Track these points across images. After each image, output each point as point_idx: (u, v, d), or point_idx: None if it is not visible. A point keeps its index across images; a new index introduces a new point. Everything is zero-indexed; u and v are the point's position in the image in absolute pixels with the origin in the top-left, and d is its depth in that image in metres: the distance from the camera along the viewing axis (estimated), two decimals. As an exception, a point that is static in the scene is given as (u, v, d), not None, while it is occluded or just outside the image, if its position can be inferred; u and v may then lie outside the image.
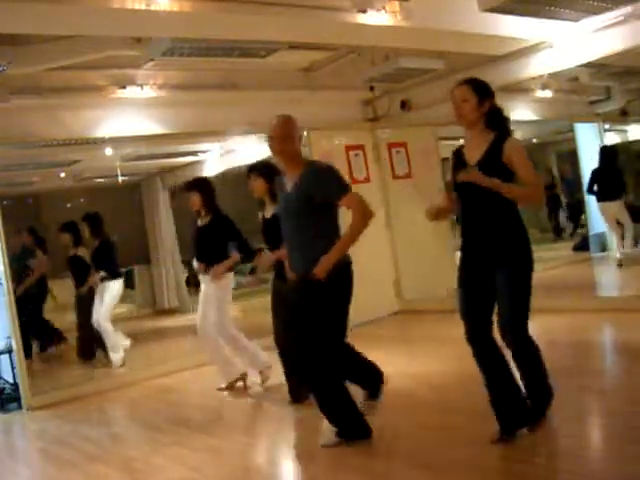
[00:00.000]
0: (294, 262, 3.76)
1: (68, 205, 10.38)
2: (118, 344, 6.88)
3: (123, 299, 8.28)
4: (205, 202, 5.28)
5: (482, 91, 3.38)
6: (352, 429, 3.71)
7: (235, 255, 5.32)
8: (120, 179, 8.50)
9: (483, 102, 3.35)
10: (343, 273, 3.65)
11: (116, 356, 6.82)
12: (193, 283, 9.53)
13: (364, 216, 3.68)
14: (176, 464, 3.85)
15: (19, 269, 7.38)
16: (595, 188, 8.37)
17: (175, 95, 6.43)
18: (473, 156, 3.38)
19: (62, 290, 8.17)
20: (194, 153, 9.47)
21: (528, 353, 3.45)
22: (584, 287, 7.83)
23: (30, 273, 7.51)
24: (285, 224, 3.81)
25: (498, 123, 3.39)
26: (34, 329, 7.53)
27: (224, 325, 5.37)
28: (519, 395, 3.42)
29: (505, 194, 3.24)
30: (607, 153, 8.50)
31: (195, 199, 5.30)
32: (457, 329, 3.48)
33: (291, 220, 3.74)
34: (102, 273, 6.84)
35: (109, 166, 8.40)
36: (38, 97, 5.68)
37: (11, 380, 5.89)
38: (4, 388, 5.88)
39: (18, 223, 7.70)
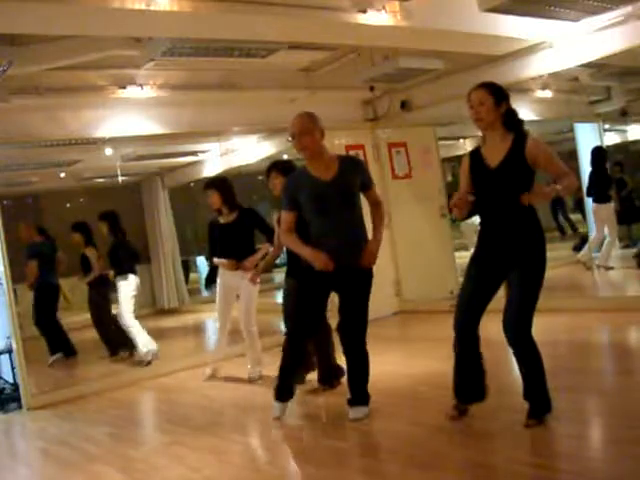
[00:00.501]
0: (340, 251, 3.98)
1: (68, 205, 10.37)
2: (146, 339, 6.88)
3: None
4: (225, 200, 5.43)
5: (498, 94, 3.49)
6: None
7: (265, 246, 5.42)
8: (120, 179, 8.50)
9: (500, 104, 3.47)
10: None
11: (144, 350, 6.80)
12: (209, 280, 9.58)
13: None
14: (176, 464, 3.85)
15: (43, 263, 7.42)
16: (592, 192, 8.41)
17: (175, 95, 6.43)
18: (493, 158, 3.48)
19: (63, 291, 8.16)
20: (194, 153, 9.46)
21: (529, 352, 3.52)
22: (584, 287, 7.83)
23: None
24: (323, 215, 4.00)
25: (514, 124, 3.50)
26: (47, 331, 7.54)
27: (250, 320, 5.54)
28: (482, 381, 3.68)
29: (561, 194, 3.43)
30: (595, 154, 8.52)
31: (214, 198, 5.43)
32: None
33: (337, 209, 3.98)
34: (111, 273, 6.97)
35: (109, 166, 8.39)
36: (38, 97, 5.68)
37: (11, 380, 5.89)
38: (4, 388, 5.88)
39: (18, 223, 7.68)
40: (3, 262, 5.67)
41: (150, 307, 10.92)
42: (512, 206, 3.40)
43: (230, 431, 4.40)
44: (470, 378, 3.68)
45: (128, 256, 7.08)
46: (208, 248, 5.77)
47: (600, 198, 8.23)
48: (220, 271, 5.61)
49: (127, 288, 6.88)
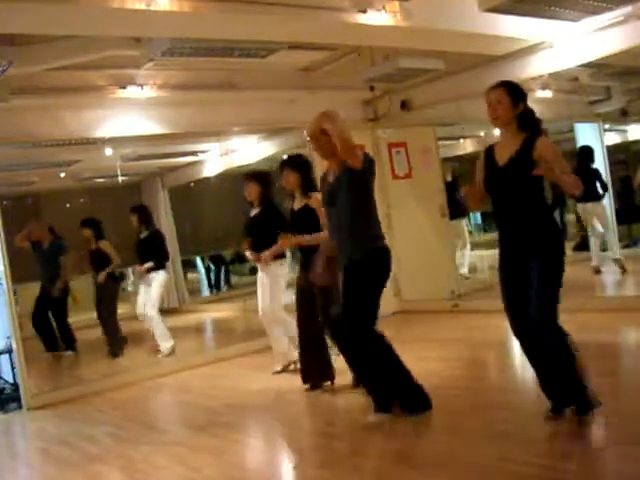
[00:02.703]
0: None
1: (68, 205, 10.37)
2: (167, 332, 6.99)
3: (123, 299, 8.30)
4: (261, 194, 5.56)
5: (516, 93, 3.52)
6: (414, 399, 3.95)
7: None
8: (120, 179, 8.50)
9: (517, 104, 3.49)
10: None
11: (165, 345, 6.93)
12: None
13: None
14: (176, 464, 3.86)
15: (49, 266, 7.44)
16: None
17: (175, 95, 6.43)
18: (504, 155, 3.52)
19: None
20: (194, 153, 9.47)
21: (558, 341, 3.45)
22: (584, 287, 7.83)
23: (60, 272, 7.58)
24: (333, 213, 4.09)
25: (530, 124, 3.52)
26: (61, 330, 7.57)
27: (274, 309, 5.55)
28: (565, 381, 3.49)
29: (564, 184, 3.37)
30: (581, 153, 8.53)
31: (252, 190, 5.55)
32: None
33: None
34: (150, 263, 6.99)
35: (109, 166, 8.40)
36: (38, 97, 5.69)
37: (11, 380, 5.89)
38: (4, 388, 5.88)
39: (18, 223, 7.69)
40: (3, 262, 5.67)
41: (150, 307, 10.91)
42: (521, 204, 3.44)
43: (230, 431, 4.40)
44: (553, 377, 3.52)
45: (162, 249, 7.19)
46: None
47: (587, 197, 8.24)
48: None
49: (161, 280, 7.02)
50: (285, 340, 5.63)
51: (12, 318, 5.69)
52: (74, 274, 7.81)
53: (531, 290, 3.43)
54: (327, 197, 4.16)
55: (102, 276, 7.28)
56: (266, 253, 5.40)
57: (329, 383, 4.99)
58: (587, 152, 8.54)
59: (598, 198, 8.34)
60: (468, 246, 9.89)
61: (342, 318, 3.96)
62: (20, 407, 5.69)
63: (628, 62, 6.98)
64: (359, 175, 3.96)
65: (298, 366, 5.28)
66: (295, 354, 5.43)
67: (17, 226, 7.57)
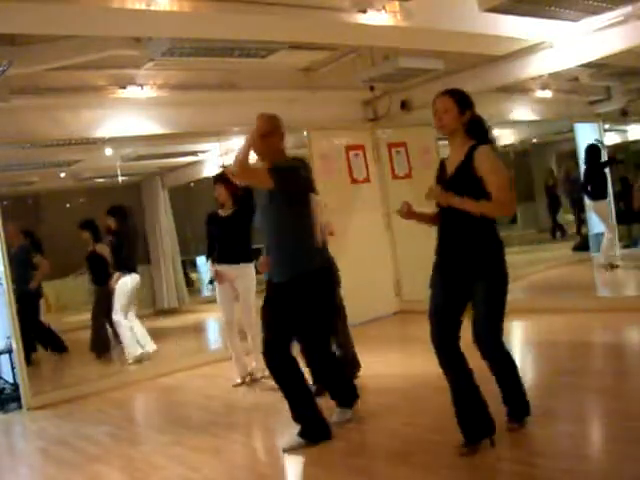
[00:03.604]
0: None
1: (68, 205, 10.36)
2: (134, 340, 6.89)
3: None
4: (232, 194, 5.43)
5: (463, 101, 3.40)
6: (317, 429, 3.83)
7: None
8: (120, 179, 8.50)
9: (464, 112, 3.38)
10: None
11: (132, 352, 6.83)
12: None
13: None
14: (176, 464, 3.86)
15: (19, 270, 7.37)
16: (589, 188, 8.42)
17: (175, 95, 6.43)
18: (451, 167, 3.41)
19: (62, 291, 8.16)
20: (194, 153, 9.46)
21: (504, 362, 3.46)
22: (584, 287, 7.83)
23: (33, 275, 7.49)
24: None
25: (478, 133, 3.38)
26: (35, 332, 7.52)
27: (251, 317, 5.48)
28: (483, 407, 3.36)
29: (470, 211, 3.21)
30: (589, 151, 8.53)
31: (221, 191, 5.45)
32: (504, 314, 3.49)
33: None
34: (117, 274, 6.93)
35: (109, 166, 8.39)
36: (38, 97, 5.68)
37: (11, 380, 5.89)
38: (4, 388, 5.89)
39: (18, 223, 7.67)
40: (3, 262, 5.67)
41: (150, 307, 10.92)
42: (466, 217, 3.25)
43: (230, 431, 4.40)
44: (468, 404, 3.37)
45: (128, 254, 7.07)
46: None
47: (595, 195, 8.23)
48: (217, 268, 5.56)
49: (126, 286, 6.89)
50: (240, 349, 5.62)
51: (12, 318, 5.69)
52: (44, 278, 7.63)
53: (475, 310, 3.35)
54: (260, 209, 3.93)
55: (116, 277, 7.03)
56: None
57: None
58: (595, 150, 8.53)
59: (604, 196, 8.32)
60: None
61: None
62: (20, 407, 5.69)
63: (628, 62, 6.98)
64: (277, 193, 3.69)
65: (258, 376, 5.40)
66: (249, 365, 5.51)
67: (17, 226, 7.56)
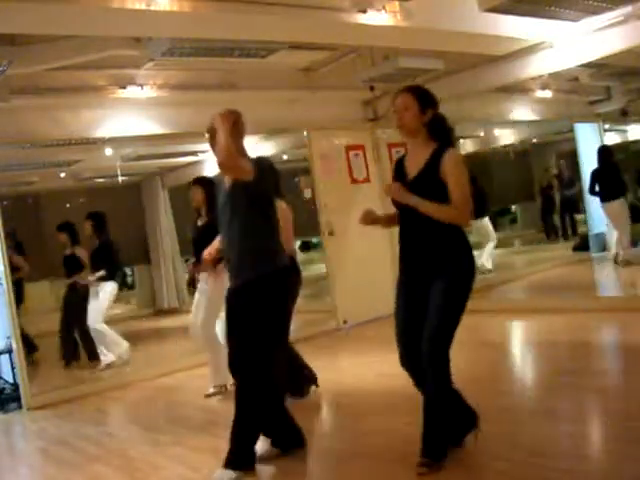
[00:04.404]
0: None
1: (68, 205, 10.37)
2: (112, 346, 6.83)
3: (123, 299, 8.28)
4: (207, 200, 5.25)
5: (424, 99, 3.25)
6: (246, 457, 3.55)
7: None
8: (120, 179, 8.50)
9: (425, 111, 3.23)
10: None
11: (106, 357, 6.78)
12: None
13: None
14: (176, 464, 3.86)
15: None
16: (597, 189, 8.40)
17: (175, 95, 6.43)
18: (413, 168, 3.24)
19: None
20: (194, 153, 9.46)
21: (439, 375, 3.15)
22: (584, 287, 7.83)
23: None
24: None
25: (441, 134, 3.24)
26: None
27: (209, 326, 5.29)
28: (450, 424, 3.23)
29: (424, 213, 3.10)
30: (604, 153, 8.52)
31: (196, 194, 5.33)
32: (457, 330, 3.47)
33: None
34: (101, 273, 6.86)
35: (109, 166, 8.40)
36: (38, 97, 5.68)
37: (11, 380, 5.89)
38: (4, 388, 5.88)
39: (18, 223, 7.68)
40: (3, 262, 5.67)
41: (150, 307, 10.93)
42: (428, 223, 3.12)
43: (230, 431, 4.39)
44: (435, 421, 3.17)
45: (113, 259, 7.03)
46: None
47: (608, 196, 8.22)
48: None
49: (108, 292, 6.86)
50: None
51: (12, 318, 5.69)
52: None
53: (427, 315, 3.13)
54: (220, 207, 3.69)
55: (76, 279, 7.05)
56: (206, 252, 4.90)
57: (314, 387, 4.89)
58: (607, 151, 8.52)
59: (617, 196, 8.30)
60: (494, 242, 9.77)
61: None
62: (20, 407, 5.69)
63: (628, 62, 6.98)
64: (252, 187, 3.47)
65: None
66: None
67: (17, 226, 7.57)
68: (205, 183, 5.36)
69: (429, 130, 3.25)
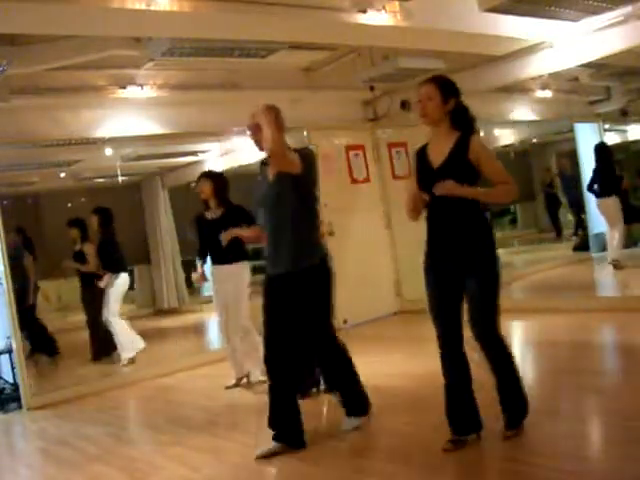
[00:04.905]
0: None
1: (68, 205, 10.38)
2: (127, 342, 6.88)
3: (123, 299, 8.27)
4: (216, 192, 5.34)
5: (447, 89, 3.32)
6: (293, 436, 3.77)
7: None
8: (120, 179, 8.50)
9: (448, 100, 3.31)
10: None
11: (125, 354, 6.85)
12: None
13: None
14: (176, 464, 3.86)
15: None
16: (595, 187, 8.40)
17: (175, 95, 6.43)
18: (437, 157, 3.32)
19: (66, 291, 8.16)
20: (194, 153, 9.46)
21: (502, 354, 3.38)
22: (584, 287, 7.83)
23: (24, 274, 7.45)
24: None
25: (463, 122, 3.34)
26: (28, 331, 7.48)
27: (247, 317, 5.39)
28: (475, 406, 3.40)
29: (482, 200, 3.23)
30: (600, 150, 8.52)
31: (205, 187, 5.36)
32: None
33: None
34: (107, 277, 6.91)
35: (109, 166, 8.40)
36: (38, 97, 5.68)
37: (11, 380, 5.89)
38: (4, 388, 5.88)
39: (18, 223, 7.67)
40: (3, 262, 5.67)
41: (150, 307, 10.93)
42: (457, 208, 3.23)
43: (230, 431, 4.40)
44: (461, 400, 3.39)
45: (117, 253, 7.09)
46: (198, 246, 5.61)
47: (602, 193, 8.22)
48: (212, 270, 5.51)
49: (117, 286, 6.91)
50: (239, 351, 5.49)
51: (12, 318, 5.69)
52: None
53: (469, 303, 3.30)
54: (262, 198, 3.81)
55: (104, 283, 6.99)
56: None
57: (315, 390, 4.88)
58: (603, 148, 8.51)
59: (610, 194, 8.29)
60: None
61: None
62: (20, 407, 5.69)
63: (628, 62, 6.99)
64: (299, 180, 3.64)
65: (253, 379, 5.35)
66: (247, 367, 5.40)
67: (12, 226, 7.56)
68: (214, 176, 5.48)
69: (452, 119, 3.33)
